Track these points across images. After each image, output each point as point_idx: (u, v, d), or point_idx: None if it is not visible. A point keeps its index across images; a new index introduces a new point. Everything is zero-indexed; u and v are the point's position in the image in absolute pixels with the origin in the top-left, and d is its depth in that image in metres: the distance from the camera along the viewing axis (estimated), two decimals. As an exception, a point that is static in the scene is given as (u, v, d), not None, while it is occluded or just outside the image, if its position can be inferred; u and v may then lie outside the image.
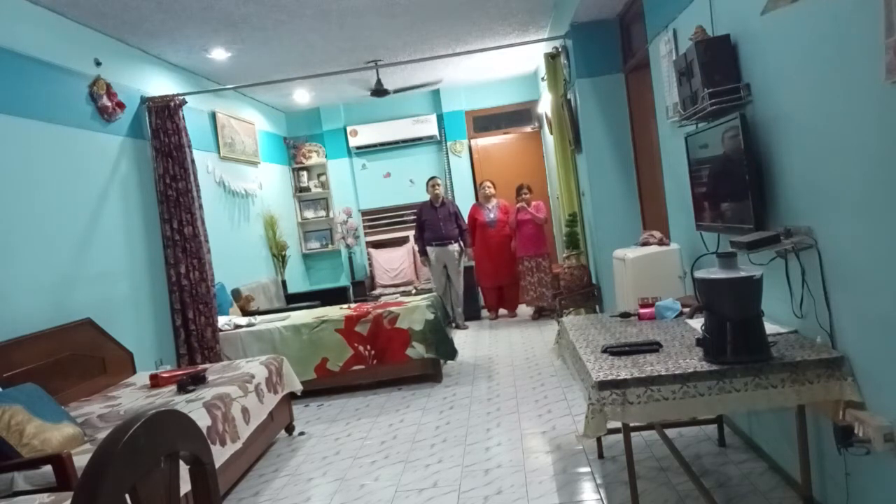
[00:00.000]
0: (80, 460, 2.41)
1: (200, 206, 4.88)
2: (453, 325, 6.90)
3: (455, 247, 6.95)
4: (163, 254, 4.78)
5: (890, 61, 1.59)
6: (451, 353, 5.06)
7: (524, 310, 7.36)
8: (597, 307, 5.54)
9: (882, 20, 1.60)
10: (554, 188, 7.23)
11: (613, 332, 2.81)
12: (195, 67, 5.66)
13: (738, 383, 2.10)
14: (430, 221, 6.95)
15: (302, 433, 4.17)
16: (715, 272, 2.18)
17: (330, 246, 8.26)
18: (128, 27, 4.43)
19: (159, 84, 5.13)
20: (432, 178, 7.14)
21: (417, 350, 4.88)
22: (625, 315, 3.11)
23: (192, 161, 4.86)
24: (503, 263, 7.12)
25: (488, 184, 7.24)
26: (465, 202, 7.72)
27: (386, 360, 4.90)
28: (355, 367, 4.91)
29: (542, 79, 6.59)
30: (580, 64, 5.10)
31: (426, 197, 7.11)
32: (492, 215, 7.14)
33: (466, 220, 7.22)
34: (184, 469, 1.20)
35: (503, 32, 5.92)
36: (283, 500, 3.20)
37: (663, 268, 3.58)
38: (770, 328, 2.32)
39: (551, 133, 6.21)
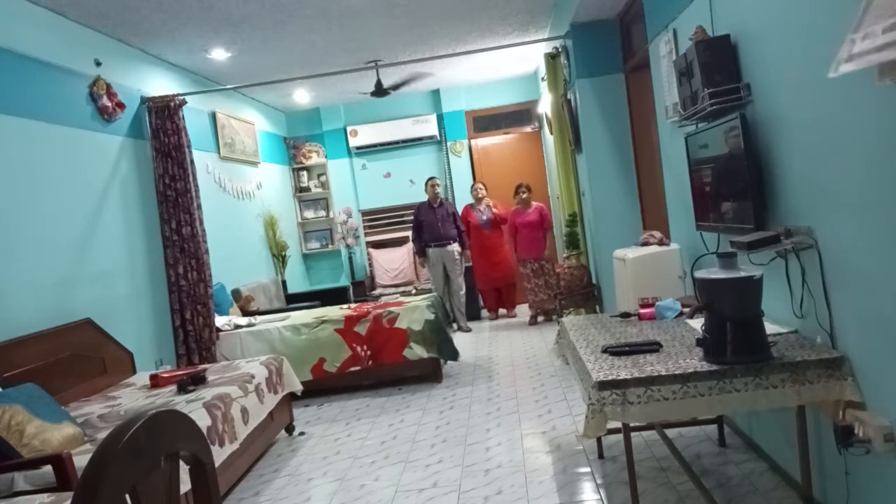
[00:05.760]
0: (80, 460, 2.41)
1: (199, 207, 4.88)
2: (454, 326, 6.86)
3: (454, 247, 6.91)
4: (163, 254, 4.78)
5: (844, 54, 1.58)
6: (453, 353, 5.04)
7: (524, 309, 7.36)
8: (597, 307, 5.54)
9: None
10: (554, 188, 7.23)
11: (613, 332, 2.81)
12: (195, 67, 5.66)
13: (739, 383, 2.09)
14: (429, 222, 6.92)
15: (302, 433, 4.17)
16: (715, 272, 2.18)
17: (330, 246, 8.25)
18: (128, 27, 4.44)
19: (159, 84, 5.13)
20: (431, 178, 7.12)
21: (415, 351, 4.85)
22: (625, 315, 3.11)
23: (192, 161, 4.86)
24: (500, 264, 7.11)
25: (480, 185, 7.24)
26: (465, 202, 7.71)
27: (382, 361, 4.87)
28: (352, 369, 4.88)
29: (542, 79, 6.59)
30: (580, 64, 5.10)
31: (426, 197, 7.10)
32: (484, 217, 7.14)
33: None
34: (184, 469, 1.20)
35: (503, 32, 5.91)
36: (283, 500, 3.20)
37: (663, 268, 3.58)
38: (770, 328, 2.32)
39: (551, 133, 6.21)
